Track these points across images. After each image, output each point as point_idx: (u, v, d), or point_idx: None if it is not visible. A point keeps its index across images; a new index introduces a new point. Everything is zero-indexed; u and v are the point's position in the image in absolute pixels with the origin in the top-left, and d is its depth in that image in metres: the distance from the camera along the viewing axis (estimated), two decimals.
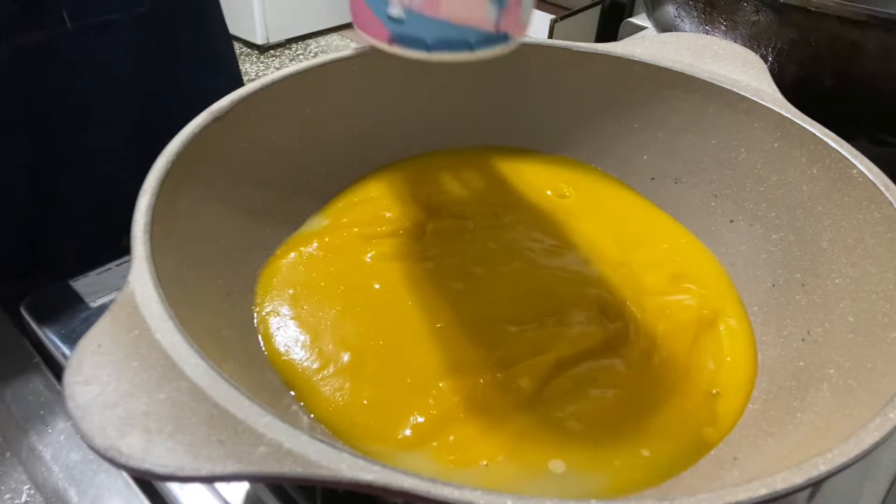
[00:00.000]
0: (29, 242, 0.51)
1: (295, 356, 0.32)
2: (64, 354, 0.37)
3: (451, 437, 0.29)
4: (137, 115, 0.52)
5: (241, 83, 0.43)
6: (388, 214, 0.40)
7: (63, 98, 0.48)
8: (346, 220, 0.40)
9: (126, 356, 0.22)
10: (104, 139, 0.51)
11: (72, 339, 0.37)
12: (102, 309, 0.24)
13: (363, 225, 0.39)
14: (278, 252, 0.38)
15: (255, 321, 0.34)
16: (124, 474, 0.32)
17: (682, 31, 0.53)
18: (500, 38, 0.33)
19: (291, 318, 0.34)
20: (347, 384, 0.31)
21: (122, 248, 0.27)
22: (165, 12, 0.52)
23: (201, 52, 0.57)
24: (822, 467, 0.21)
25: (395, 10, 0.32)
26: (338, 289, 0.35)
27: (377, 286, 0.35)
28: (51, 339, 0.38)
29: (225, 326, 0.31)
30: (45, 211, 0.51)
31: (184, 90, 0.54)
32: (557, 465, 0.28)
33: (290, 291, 0.35)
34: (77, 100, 0.49)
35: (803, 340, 0.33)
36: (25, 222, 0.50)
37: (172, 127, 0.33)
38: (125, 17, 0.49)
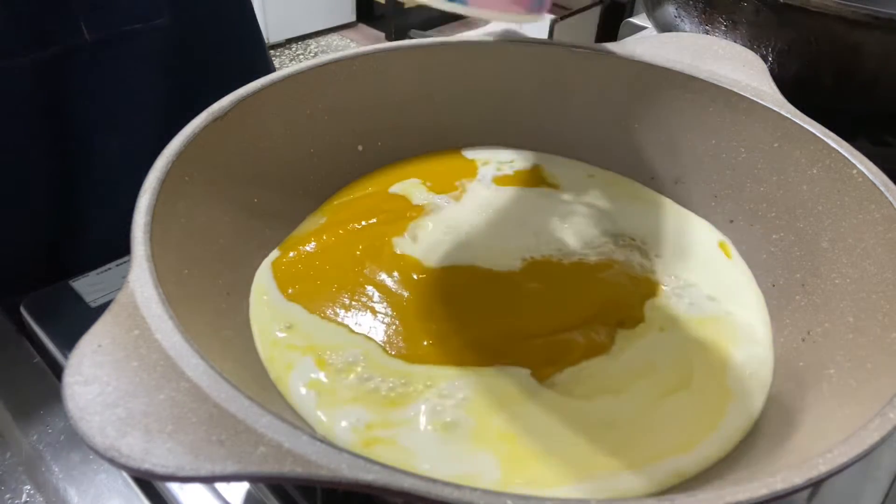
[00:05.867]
0: (51, 253, 0.50)
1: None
2: (64, 354, 0.37)
3: None
4: (163, 125, 0.52)
5: None
6: (385, 208, 0.40)
7: (86, 110, 0.48)
8: (344, 217, 0.40)
9: (126, 356, 0.22)
10: (129, 150, 0.51)
11: (72, 339, 0.37)
12: (102, 309, 0.24)
13: (361, 221, 0.39)
14: (277, 251, 0.38)
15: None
16: (124, 474, 0.32)
17: (682, 31, 0.53)
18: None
19: None
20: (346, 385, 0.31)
21: (123, 249, 0.27)
22: (188, 23, 0.51)
23: (230, 58, 0.57)
24: (822, 467, 0.21)
25: None
26: (336, 288, 0.35)
27: (377, 285, 0.35)
28: (51, 339, 0.38)
29: (225, 326, 0.31)
30: (67, 222, 0.50)
31: (212, 97, 0.53)
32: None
33: (290, 291, 0.35)
34: (100, 111, 0.49)
35: (803, 340, 0.33)
36: (48, 233, 0.50)
37: None
38: (146, 28, 0.49)
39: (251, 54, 0.60)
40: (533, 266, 0.37)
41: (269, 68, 0.62)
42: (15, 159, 0.46)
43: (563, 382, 0.31)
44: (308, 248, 0.38)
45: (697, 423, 0.30)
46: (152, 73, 0.51)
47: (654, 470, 0.28)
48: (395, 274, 0.36)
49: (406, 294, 0.35)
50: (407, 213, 0.40)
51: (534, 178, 0.44)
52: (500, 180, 0.44)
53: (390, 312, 0.34)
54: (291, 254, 0.37)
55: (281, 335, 0.32)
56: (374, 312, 0.34)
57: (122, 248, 0.38)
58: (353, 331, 0.33)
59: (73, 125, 0.48)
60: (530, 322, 0.34)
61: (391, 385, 0.30)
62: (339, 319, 0.34)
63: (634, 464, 0.28)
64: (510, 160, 0.45)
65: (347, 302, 0.34)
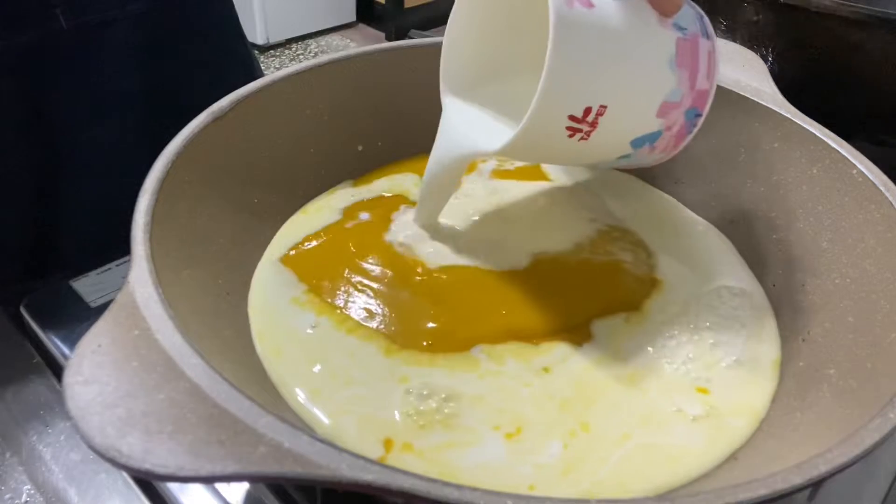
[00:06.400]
0: (33, 245, 0.50)
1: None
2: (64, 354, 0.37)
3: None
4: (141, 113, 0.52)
5: (255, 77, 0.42)
6: (393, 214, 0.40)
7: (63, 98, 0.48)
8: (344, 217, 0.40)
9: (126, 356, 0.22)
10: (108, 139, 0.51)
11: (72, 339, 0.37)
12: (102, 309, 0.24)
13: (363, 221, 0.39)
14: (279, 250, 0.38)
15: None
16: (124, 474, 0.32)
17: None
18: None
19: None
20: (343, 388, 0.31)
21: (123, 248, 0.27)
22: (166, 9, 0.52)
23: (209, 47, 0.57)
24: (822, 467, 0.21)
25: None
26: (334, 287, 0.35)
27: (376, 285, 0.35)
28: (51, 339, 0.38)
29: (225, 326, 0.31)
30: (48, 212, 0.50)
31: (192, 87, 0.53)
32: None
33: (293, 289, 0.35)
34: (78, 99, 0.49)
35: (803, 340, 0.33)
36: (29, 224, 0.50)
37: (180, 125, 0.33)
38: (122, 14, 0.49)
39: (229, 39, 0.60)
40: (537, 264, 0.37)
41: (249, 54, 0.62)
42: None
43: (562, 376, 0.31)
44: (307, 247, 0.38)
45: (698, 424, 0.30)
46: (131, 60, 0.51)
47: (656, 473, 0.28)
48: (396, 273, 0.36)
49: (407, 294, 0.35)
50: (407, 209, 0.40)
51: (534, 174, 0.44)
52: (500, 174, 0.44)
53: (390, 313, 0.34)
54: (292, 252, 0.37)
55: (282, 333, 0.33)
56: (374, 313, 0.34)
57: (108, 239, 0.38)
58: (352, 330, 0.33)
59: (52, 113, 0.48)
60: (533, 320, 0.34)
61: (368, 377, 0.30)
62: (340, 314, 0.34)
63: (634, 466, 0.28)
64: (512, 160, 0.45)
65: (346, 302, 0.34)
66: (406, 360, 0.32)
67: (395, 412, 0.29)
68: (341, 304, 0.34)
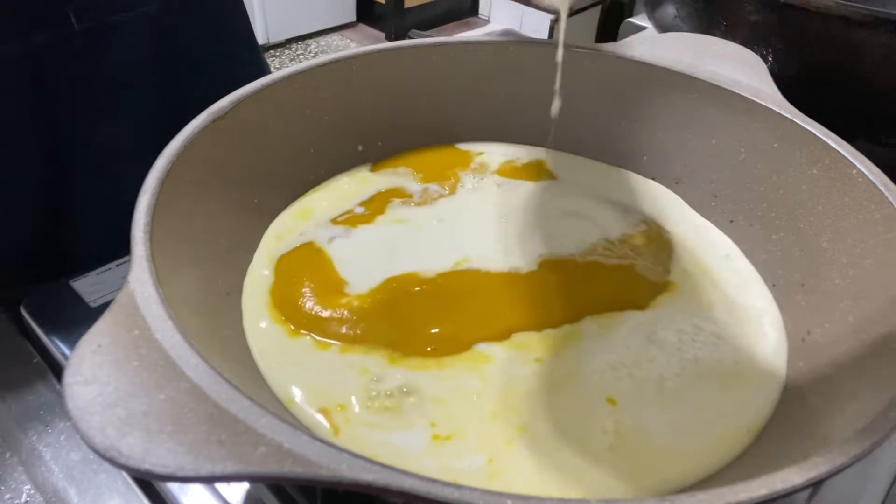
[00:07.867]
0: (34, 245, 0.50)
1: None
2: (64, 354, 0.37)
3: None
4: (152, 115, 0.52)
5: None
6: (386, 207, 0.40)
7: (71, 99, 0.48)
8: (344, 216, 0.40)
9: (126, 356, 0.22)
10: (118, 140, 0.51)
11: (72, 339, 0.37)
12: (102, 309, 0.24)
13: (363, 221, 0.39)
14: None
15: None
16: (124, 474, 0.32)
17: (682, 31, 0.53)
18: None
19: None
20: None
21: (123, 248, 0.27)
22: (176, 11, 0.52)
23: (219, 49, 0.57)
24: (822, 467, 0.21)
25: None
26: (334, 287, 0.35)
27: (372, 285, 0.35)
28: (51, 339, 0.38)
29: (225, 326, 0.31)
30: (50, 213, 0.51)
31: (201, 88, 0.53)
32: None
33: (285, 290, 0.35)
34: (86, 101, 0.49)
35: (803, 340, 0.33)
36: (31, 225, 0.50)
37: (184, 125, 0.33)
38: (133, 16, 0.49)
39: (240, 43, 0.60)
40: (546, 265, 0.37)
41: (258, 56, 0.62)
42: (7, 147, 0.46)
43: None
44: (300, 242, 0.38)
45: (703, 427, 0.30)
46: (142, 61, 0.51)
47: (656, 477, 0.28)
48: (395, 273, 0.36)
49: (407, 298, 0.35)
50: (409, 205, 0.41)
51: (540, 173, 0.44)
52: (507, 173, 0.44)
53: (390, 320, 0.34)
54: (288, 247, 0.37)
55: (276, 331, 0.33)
56: (374, 317, 0.34)
57: (116, 240, 0.38)
58: (345, 349, 0.33)
59: (64, 114, 0.48)
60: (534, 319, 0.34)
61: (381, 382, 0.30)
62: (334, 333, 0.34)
63: (634, 471, 0.28)
64: (514, 157, 0.46)
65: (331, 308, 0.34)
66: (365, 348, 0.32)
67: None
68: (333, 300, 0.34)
